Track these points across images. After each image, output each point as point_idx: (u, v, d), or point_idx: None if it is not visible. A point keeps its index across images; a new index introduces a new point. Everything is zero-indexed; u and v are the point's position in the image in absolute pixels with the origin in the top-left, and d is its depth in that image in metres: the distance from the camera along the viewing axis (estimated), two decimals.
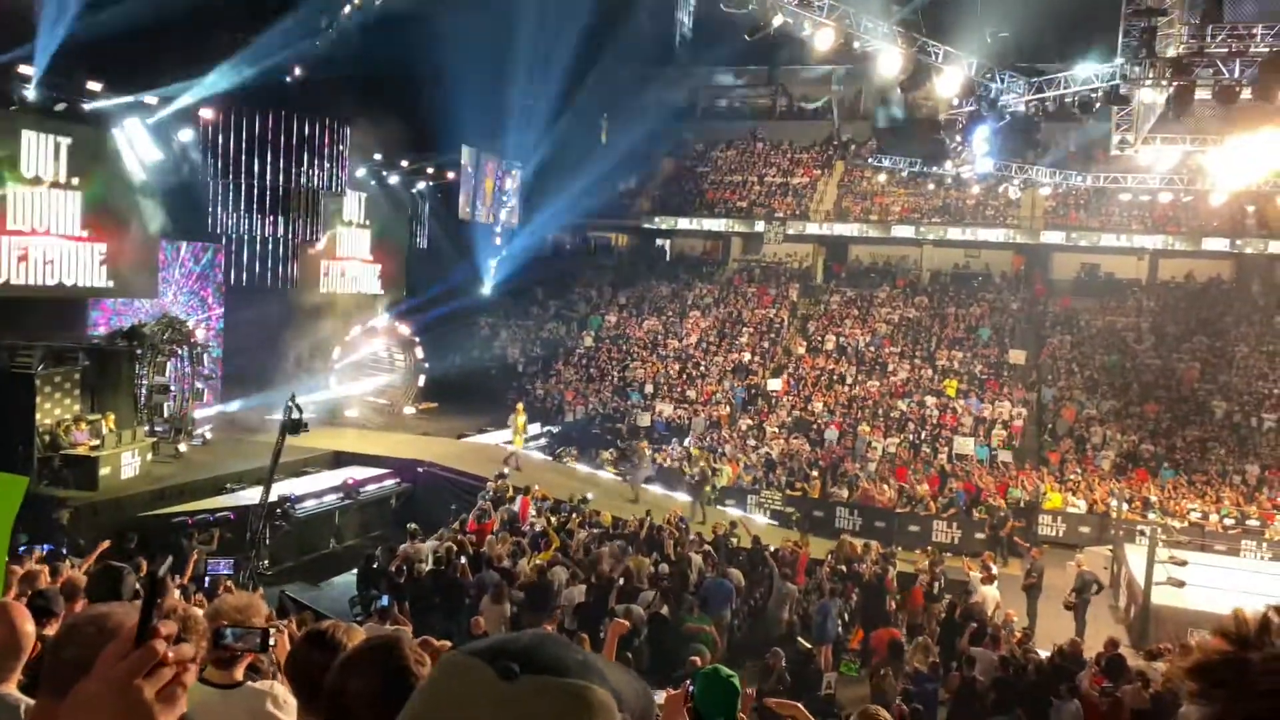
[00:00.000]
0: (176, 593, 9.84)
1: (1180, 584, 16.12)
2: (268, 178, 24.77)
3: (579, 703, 0.93)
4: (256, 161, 24.50)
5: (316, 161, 25.82)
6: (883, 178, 36.45)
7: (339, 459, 22.59)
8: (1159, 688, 10.36)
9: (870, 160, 35.60)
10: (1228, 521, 22.15)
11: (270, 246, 25.69)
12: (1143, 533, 19.77)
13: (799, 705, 4.38)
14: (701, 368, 32.10)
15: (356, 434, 25.13)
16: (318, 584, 17.39)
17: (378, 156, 29.55)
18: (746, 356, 32.46)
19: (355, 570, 16.03)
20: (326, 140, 26.03)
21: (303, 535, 18.75)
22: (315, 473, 21.38)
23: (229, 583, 12.80)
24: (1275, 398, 27.86)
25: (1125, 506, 22.34)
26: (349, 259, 30.57)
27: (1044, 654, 12.59)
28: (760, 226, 37.84)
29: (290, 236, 25.98)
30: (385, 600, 12.96)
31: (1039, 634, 14.92)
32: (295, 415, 16.56)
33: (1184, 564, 16.63)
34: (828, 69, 38.06)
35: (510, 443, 24.56)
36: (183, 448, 21.65)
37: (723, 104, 43.94)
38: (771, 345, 33.25)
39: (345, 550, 19.35)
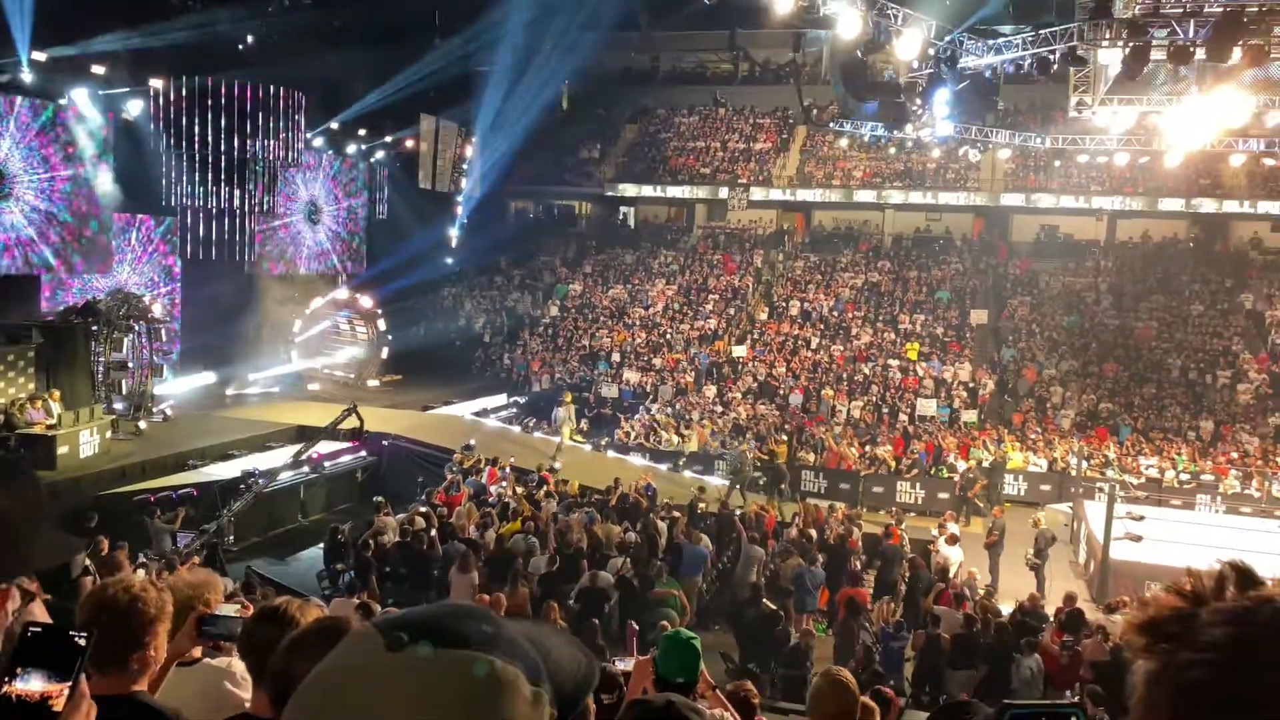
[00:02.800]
0: (140, 573, 9.73)
1: (1137, 539, 16.51)
2: (222, 148, 24.24)
3: (462, 675, 0.89)
4: (210, 131, 23.96)
5: (272, 131, 25.30)
6: (844, 142, 36.40)
7: (303, 433, 22.36)
8: (1117, 640, 10.63)
9: (832, 125, 35.51)
10: (1183, 477, 22.61)
11: (226, 219, 25.20)
12: (1101, 489, 20.17)
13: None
14: (668, 335, 32.11)
15: (321, 408, 24.88)
16: (284, 559, 17.30)
17: (334, 125, 29.06)
18: (712, 323, 32.51)
19: (322, 545, 15.94)
20: (282, 109, 25.49)
21: (269, 510, 18.61)
22: (279, 447, 21.17)
23: (195, 559, 12.72)
24: (1229, 355, 28.42)
25: (1085, 464, 22.75)
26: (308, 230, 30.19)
27: (1006, 610, 12.85)
28: (724, 193, 37.75)
29: (247, 208, 25.49)
30: (352, 574, 12.95)
31: (1001, 590, 15.25)
32: (357, 423, 16.34)
33: (1141, 519, 17.05)
34: (789, 32, 37.82)
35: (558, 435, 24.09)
36: (143, 425, 21.34)
37: (684, 69, 43.58)
38: (737, 312, 33.31)
39: (312, 525, 19.24)
